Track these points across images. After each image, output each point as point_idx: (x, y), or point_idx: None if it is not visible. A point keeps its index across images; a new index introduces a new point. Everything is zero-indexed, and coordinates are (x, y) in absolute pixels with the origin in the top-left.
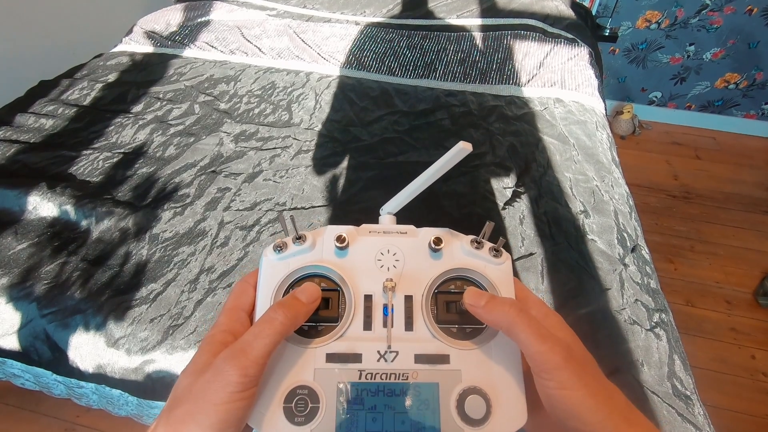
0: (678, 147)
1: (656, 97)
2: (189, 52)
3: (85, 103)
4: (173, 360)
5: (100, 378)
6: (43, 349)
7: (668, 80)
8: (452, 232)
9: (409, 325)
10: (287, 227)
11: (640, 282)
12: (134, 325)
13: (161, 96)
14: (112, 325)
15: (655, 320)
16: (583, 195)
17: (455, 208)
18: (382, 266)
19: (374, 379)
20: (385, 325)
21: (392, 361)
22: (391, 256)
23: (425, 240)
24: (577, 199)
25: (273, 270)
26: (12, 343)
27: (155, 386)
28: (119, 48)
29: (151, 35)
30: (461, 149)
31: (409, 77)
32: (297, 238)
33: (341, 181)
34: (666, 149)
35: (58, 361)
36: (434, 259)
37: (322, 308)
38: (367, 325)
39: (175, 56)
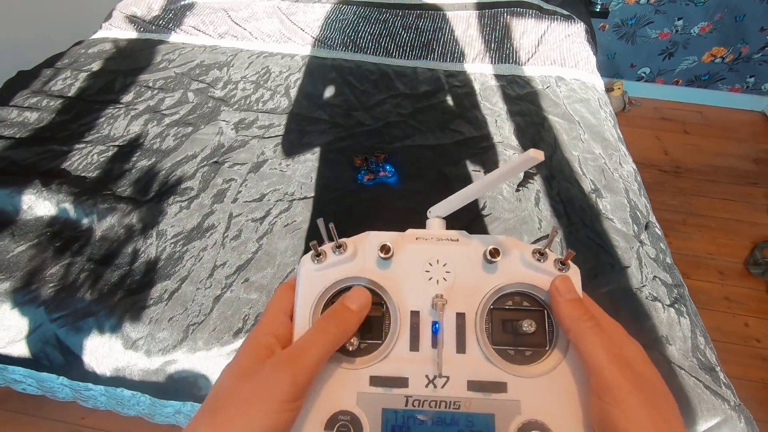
0: (667, 122)
1: (645, 72)
2: (175, 37)
3: (70, 94)
4: (195, 359)
5: (118, 381)
6: (54, 355)
7: (657, 55)
8: (511, 239)
9: (461, 346)
10: (326, 234)
11: (655, 258)
12: (151, 325)
13: (151, 84)
14: (128, 326)
15: (675, 296)
16: (592, 173)
17: None
18: (431, 278)
19: (422, 406)
20: (434, 345)
21: (442, 387)
22: (440, 267)
23: (480, 249)
24: (588, 178)
25: (312, 281)
26: (20, 350)
27: (177, 387)
28: (100, 34)
29: (132, 20)
30: (531, 158)
31: (407, 58)
32: (337, 247)
33: (348, 168)
34: (655, 125)
35: (71, 366)
36: (490, 271)
37: (365, 325)
38: (414, 345)
39: (161, 42)
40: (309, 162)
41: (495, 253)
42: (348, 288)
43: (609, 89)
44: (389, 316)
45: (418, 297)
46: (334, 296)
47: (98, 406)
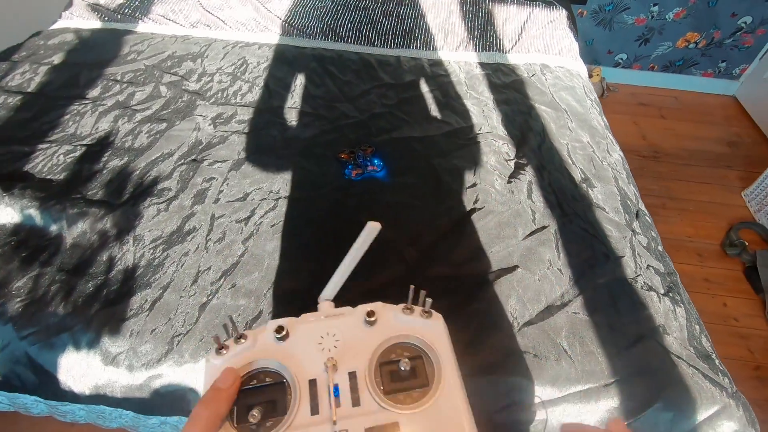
0: (644, 108)
1: (622, 59)
2: (143, 27)
3: (30, 90)
4: (182, 372)
5: (98, 399)
6: (26, 375)
7: (633, 41)
8: (384, 304)
9: (355, 400)
10: (232, 328)
11: (647, 247)
12: (133, 338)
13: (119, 78)
14: (106, 340)
15: (668, 284)
16: (582, 162)
17: (459, 184)
18: (323, 349)
19: None
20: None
21: None
22: (331, 338)
23: (360, 315)
24: (578, 167)
25: (216, 374)
26: None
27: (164, 402)
28: (60, 24)
29: (95, 8)
30: (372, 229)
31: (389, 47)
32: (238, 338)
33: (335, 164)
34: (633, 110)
35: (45, 386)
36: (371, 331)
37: (269, 404)
38: (314, 409)
39: (128, 32)
40: (293, 158)
41: (371, 314)
42: (253, 373)
43: (588, 75)
44: (290, 390)
45: (314, 366)
46: (243, 382)
47: (77, 421)
